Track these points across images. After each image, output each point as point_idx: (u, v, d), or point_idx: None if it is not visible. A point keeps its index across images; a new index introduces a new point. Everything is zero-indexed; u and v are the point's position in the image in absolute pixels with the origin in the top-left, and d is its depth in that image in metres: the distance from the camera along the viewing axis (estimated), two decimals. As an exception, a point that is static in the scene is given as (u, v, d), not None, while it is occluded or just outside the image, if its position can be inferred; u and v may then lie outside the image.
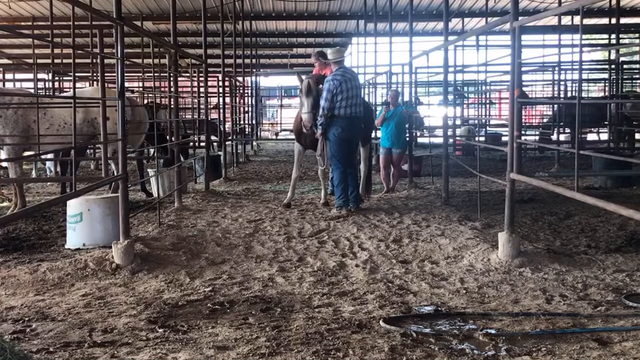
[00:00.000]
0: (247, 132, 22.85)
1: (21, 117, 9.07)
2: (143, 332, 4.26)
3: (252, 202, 9.95)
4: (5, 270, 5.94)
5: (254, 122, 23.80)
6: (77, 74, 9.55)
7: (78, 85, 16.53)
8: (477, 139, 15.20)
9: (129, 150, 9.51)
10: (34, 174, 14.33)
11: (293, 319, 4.51)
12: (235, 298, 5.06)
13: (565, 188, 6.15)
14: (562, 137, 16.46)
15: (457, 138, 15.27)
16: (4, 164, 10.26)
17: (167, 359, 3.80)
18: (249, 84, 24.27)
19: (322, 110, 8.58)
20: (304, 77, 9.07)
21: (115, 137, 9.31)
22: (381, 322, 4.33)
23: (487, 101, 21.37)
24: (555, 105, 16.35)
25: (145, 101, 13.19)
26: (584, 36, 23.88)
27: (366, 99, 16.41)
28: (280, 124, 30.60)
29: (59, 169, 11.73)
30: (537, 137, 18.27)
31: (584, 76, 19.92)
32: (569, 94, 16.22)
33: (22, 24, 19.47)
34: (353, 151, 9.17)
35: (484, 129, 19.04)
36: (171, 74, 9.48)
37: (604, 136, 19.21)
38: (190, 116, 16.59)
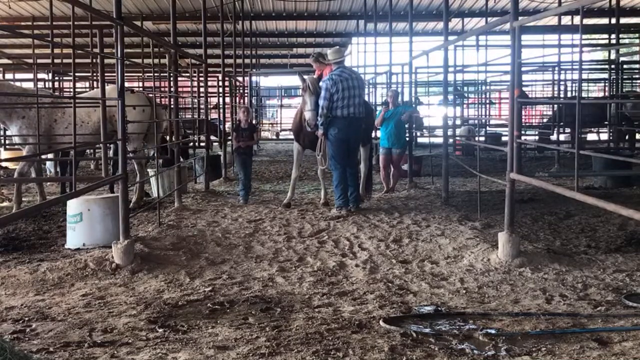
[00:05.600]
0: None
1: (42, 117, 9.07)
2: (143, 332, 4.26)
3: (252, 202, 9.95)
4: (5, 270, 5.95)
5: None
6: (77, 74, 9.56)
7: (78, 85, 16.54)
8: (477, 139, 15.21)
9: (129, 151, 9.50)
10: (33, 174, 14.30)
11: (293, 319, 4.51)
12: (235, 298, 5.06)
13: (565, 188, 6.15)
14: (562, 137, 16.47)
15: (457, 138, 15.28)
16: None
17: (167, 359, 3.80)
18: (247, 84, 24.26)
19: (320, 110, 8.59)
20: (306, 76, 9.07)
21: (135, 136, 9.47)
22: (381, 322, 4.33)
23: (487, 101, 21.37)
24: (555, 105, 16.35)
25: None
26: (584, 36, 23.88)
27: (366, 99, 16.43)
28: (280, 124, 30.58)
29: (58, 169, 11.73)
30: (537, 137, 18.27)
31: (584, 76, 19.92)
32: (569, 94, 16.22)
33: (22, 24, 19.47)
34: (352, 152, 9.15)
35: (484, 129, 19.04)
36: (171, 74, 9.48)
37: (604, 136, 19.21)
38: (190, 116, 16.59)
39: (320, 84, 8.77)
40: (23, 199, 10.42)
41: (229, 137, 17.08)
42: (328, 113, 8.58)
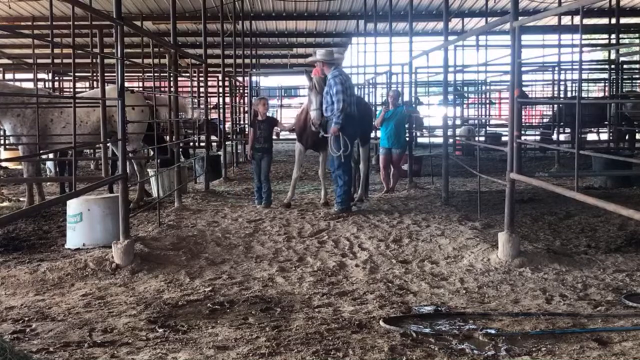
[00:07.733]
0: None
1: (38, 116, 9.08)
2: (143, 332, 4.27)
3: (252, 202, 9.94)
4: (5, 270, 5.95)
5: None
6: (77, 74, 9.56)
7: (78, 85, 16.53)
8: (477, 139, 15.20)
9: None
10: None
11: (293, 319, 4.51)
12: (235, 298, 5.06)
13: (565, 188, 6.15)
14: (562, 137, 16.46)
15: (457, 138, 15.27)
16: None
17: (167, 359, 3.80)
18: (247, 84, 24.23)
19: (342, 104, 8.48)
20: (313, 75, 9.02)
21: (134, 136, 9.49)
22: (381, 322, 4.33)
23: (487, 101, 21.36)
24: (555, 105, 16.35)
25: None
26: (584, 36, 23.86)
27: (366, 99, 16.44)
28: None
29: (57, 169, 11.73)
30: (537, 137, 18.26)
31: (584, 76, 19.90)
32: (569, 94, 16.22)
33: (22, 24, 19.45)
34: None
35: (484, 129, 19.03)
36: (171, 74, 9.48)
37: (604, 136, 19.20)
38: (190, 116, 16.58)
39: (330, 81, 8.71)
40: (21, 199, 10.43)
41: (229, 137, 17.14)
42: (348, 108, 8.56)
